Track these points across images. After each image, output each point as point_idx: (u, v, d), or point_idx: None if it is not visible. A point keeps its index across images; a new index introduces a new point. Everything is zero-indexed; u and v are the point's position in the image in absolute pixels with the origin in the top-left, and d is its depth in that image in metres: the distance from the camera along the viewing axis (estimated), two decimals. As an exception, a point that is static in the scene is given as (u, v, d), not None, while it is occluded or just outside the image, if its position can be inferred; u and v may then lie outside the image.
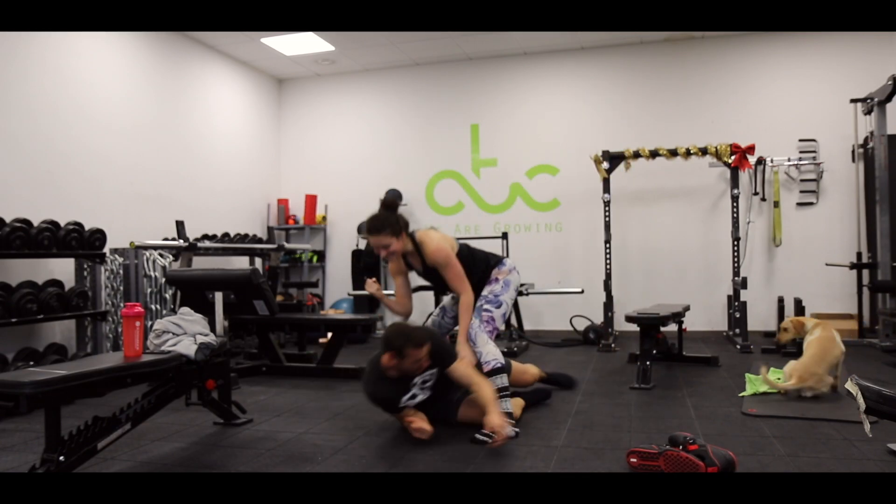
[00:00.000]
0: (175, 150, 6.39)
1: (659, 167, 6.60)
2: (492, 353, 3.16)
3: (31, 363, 4.12)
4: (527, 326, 6.72)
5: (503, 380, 3.12)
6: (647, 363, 4.21)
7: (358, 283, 7.51)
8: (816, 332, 3.76)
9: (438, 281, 3.39)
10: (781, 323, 4.23)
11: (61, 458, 2.40)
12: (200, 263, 6.14)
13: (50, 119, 5.02)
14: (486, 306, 3.28)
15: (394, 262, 3.36)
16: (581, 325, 6.43)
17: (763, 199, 6.61)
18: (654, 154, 6.08)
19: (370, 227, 3.19)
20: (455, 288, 3.30)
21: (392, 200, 3.30)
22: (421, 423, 3.01)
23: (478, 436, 2.93)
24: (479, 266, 3.40)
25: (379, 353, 3.03)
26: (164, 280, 4.89)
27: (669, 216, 6.90)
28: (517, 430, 3.03)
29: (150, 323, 4.50)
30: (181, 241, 5.53)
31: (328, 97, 8.00)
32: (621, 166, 6.22)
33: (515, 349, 5.59)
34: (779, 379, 3.80)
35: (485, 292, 3.32)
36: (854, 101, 6.05)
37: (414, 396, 3.08)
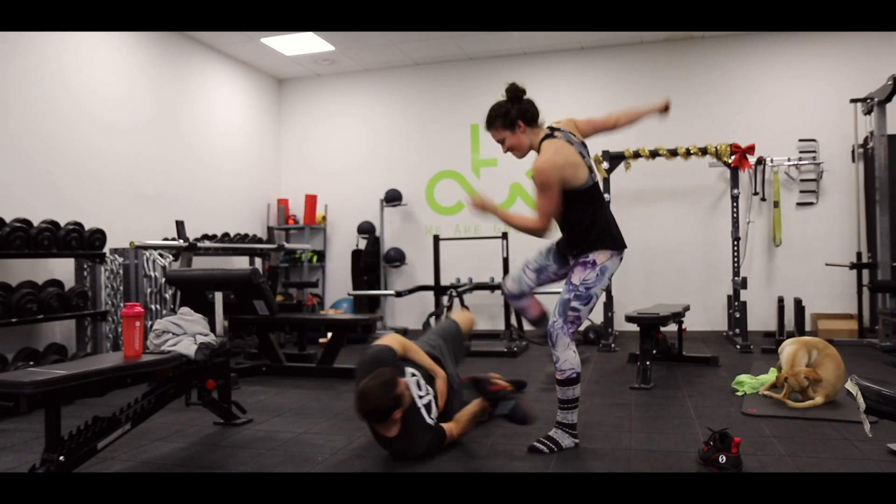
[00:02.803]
0: (175, 150, 6.39)
1: (659, 167, 6.60)
2: (570, 362, 2.80)
3: (31, 363, 4.12)
4: (526, 326, 6.72)
5: (575, 391, 2.83)
6: (647, 363, 4.21)
7: (358, 283, 7.51)
8: (815, 353, 3.63)
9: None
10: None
11: (61, 458, 2.40)
12: (200, 263, 6.14)
13: (50, 119, 5.02)
14: (573, 303, 2.80)
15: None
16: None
17: (763, 199, 6.61)
18: (654, 154, 6.08)
19: (486, 121, 2.92)
20: (536, 212, 2.78)
21: (515, 87, 2.85)
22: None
23: (536, 444, 2.84)
24: (586, 224, 2.81)
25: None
26: (164, 280, 4.89)
27: (669, 216, 6.90)
28: (576, 440, 2.87)
29: (150, 323, 4.50)
30: (181, 241, 5.53)
31: (328, 97, 8.00)
32: (621, 166, 6.22)
33: (515, 349, 5.59)
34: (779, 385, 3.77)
35: (575, 279, 2.80)
36: (854, 101, 6.05)
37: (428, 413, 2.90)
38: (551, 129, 2.89)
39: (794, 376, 3.50)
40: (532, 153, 2.93)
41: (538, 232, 2.79)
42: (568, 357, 2.81)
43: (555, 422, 2.89)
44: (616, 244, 2.84)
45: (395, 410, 2.63)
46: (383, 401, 2.59)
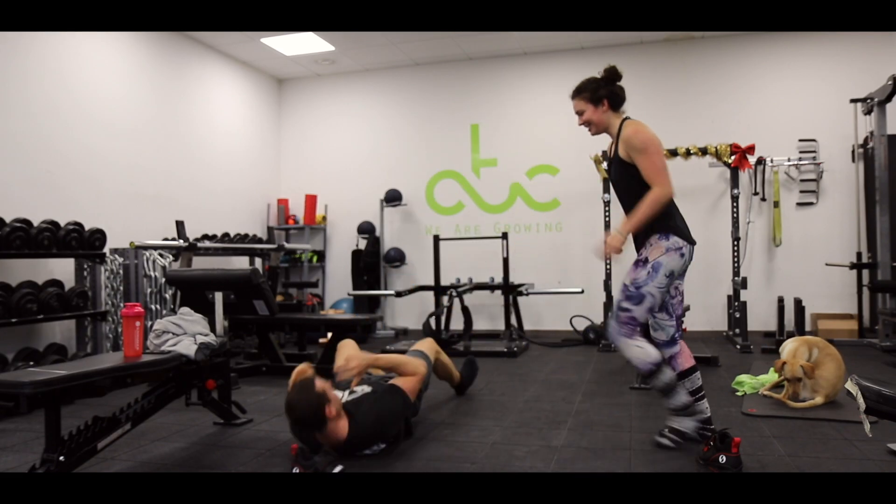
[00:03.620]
0: (175, 150, 6.39)
1: (659, 167, 6.59)
2: (639, 358, 2.74)
3: (31, 363, 4.12)
4: (527, 326, 6.73)
5: (661, 378, 2.75)
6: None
7: (358, 283, 7.51)
8: (815, 351, 3.64)
9: (623, 186, 2.83)
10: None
11: (61, 458, 2.40)
12: (200, 263, 6.14)
13: (50, 119, 5.02)
14: (623, 303, 2.76)
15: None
16: (581, 325, 6.43)
17: (763, 199, 6.61)
18: (654, 154, 6.07)
19: (574, 88, 2.94)
20: (650, 180, 2.68)
21: (614, 70, 2.91)
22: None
23: (659, 439, 2.84)
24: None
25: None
26: (164, 280, 4.89)
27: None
28: (703, 414, 2.83)
29: (150, 323, 4.50)
30: (181, 241, 5.53)
31: (328, 97, 8.00)
32: (621, 166, 6.22)
33: (515, 349, 5.59)
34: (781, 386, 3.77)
35: (627, 279, 2.79)
36: (854, 101, 6.05)
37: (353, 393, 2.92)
38: (628, 117, 2.93)
39: (790, 363, 3.50)
40: (604, 136, 2.98)
41: (668, 193, 2.69)
42: (635, 354, 2.75)
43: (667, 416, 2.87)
44: (674, 232, 2.75)
45: (324, 406, 2.58)
46: (307, 399, 2.57)
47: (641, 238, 2.81)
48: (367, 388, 2.92)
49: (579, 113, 2.93)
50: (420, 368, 3.11)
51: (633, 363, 2.80)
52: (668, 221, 2.75)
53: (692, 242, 2.81)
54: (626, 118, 2.89)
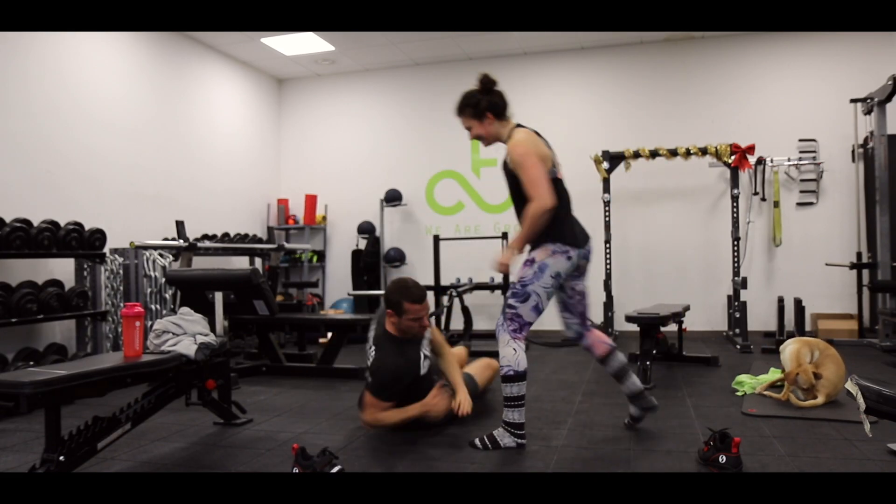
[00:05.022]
0: (175, 150, 6.39)
1: (659, 167, 6.60)
2: (507, 359, 2.80)
3: (31, 363, 4.12)
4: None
5: (513, 388, 2.79)
6: (648, 363, 4.21)
7: (358, 283, 7.51)
8: (816, 353, 3.62)
9: (514, 193, 2.90)
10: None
11: (61, 458, 2.40)
12: (200, 263, 6.14)
13: (50, 119, 5.02)
14: (510, 300, 2.83)
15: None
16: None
17: (763, 199, 6.61)
18: (654, 154, 6.08)
19: (457, 106, 3.01)
20: (528, 193, 2.75)
21: (487, 79, 2.92)
22: (443, 398, 3.11)
23: (475, 440, 2.90)
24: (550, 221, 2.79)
25: (381, 330, 3.18)
26: (164, 280, 4.89)
27: (669, 216, 6.90)
28: (521, 440, 2.84)
29: (150, 323, 4.50)
30: (181, 241, 5.53)
31: (328, 97, 8.00)
32: (621, 166, 6.23)
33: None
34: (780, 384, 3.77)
35: (514, 277, 2.87)
36: (854, 101, 6.05)
37: (426, 358, 3.15)
38: (519, 124, 2.98)
39: (804, 372, 3.49)
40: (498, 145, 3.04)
41: (545, 206, 2.70)
42: (505, 354, 2.80)
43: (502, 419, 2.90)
44: (560, 239, 2.80)
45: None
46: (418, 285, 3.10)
47: (534, 245, 2.87)
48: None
49: (468, 129, 2.97)
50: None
51: (500, 362, 2.83)
52: (555, 229, 2.81)
53: (580, 247, 2.85)
54: (516, 126, 2.93)
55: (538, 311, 2.84)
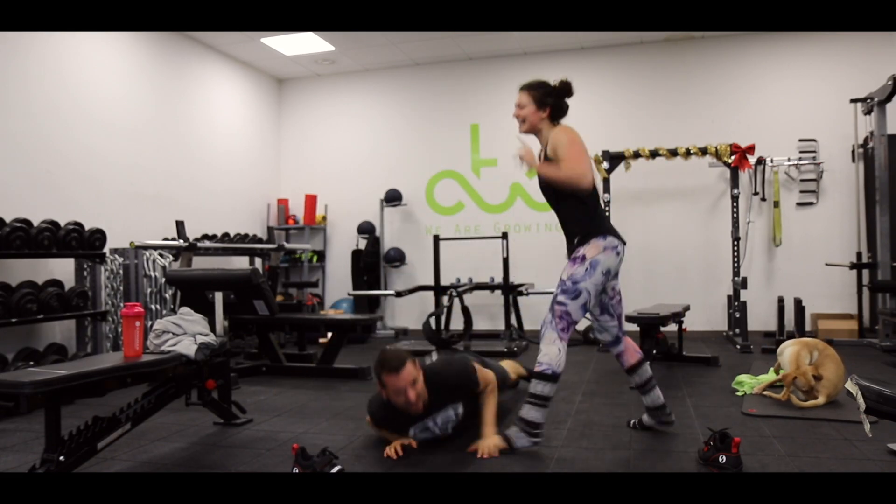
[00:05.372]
0: (175, 150, 6.39)
1: (659, 167, 6.60)
2: (549, 357, 2.74)
3: (31, 363, 4.12)
4: (527, 326, 6.72)
5: (545, 387, 2.74)
6: (648, 363, 4.21)
7: (358, 283, 7.51)
8: (816, 353, 3.61)
9: (554, 192, 2.88)
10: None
11: (61, 458, 2.40)
12: (200, 263, 6.14)
13: (50, 119, 5.02)
14: (560, 297, 2.76)
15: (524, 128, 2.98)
16: (581, 325, 6.41)
17: (763, 199, 6.61)
18: (654, 154, 6.08)
19: (526, 83, 2.95)
20: (569, 167, 2.74)
21: (569, 86, 2.92)
22: (396, 449, 2.82)
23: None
24: (580, 215, 2.84)
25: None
26: (164, 280, 4.89)
27: (669, 216, 6.90)
28: (536, 440, 2.78)
29: (150, 323, 4.50)
30: (181, 241, 5.53)
31: (328, 97, 8.00)
32: (621, 166, 6.23)
33: (515, 349, 5.59)
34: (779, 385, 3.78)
35: (564, 275, 2.80)
36: (854, 101, 6.05)
37: (426, 429, 2.90)
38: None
39: (802, 375, 3.49)
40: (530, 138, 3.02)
41: (582, 177, 2.72)
42: (549, 352, 2.75)
43: (517, 416, 2.81)
44: (610, 233, 2.83)
45: (409, 360, 2.72)
46: (397, 354, 2.75)
47: (579, 241, 2.84)
48: (434, 355, 3.16)
49: (519, 106, 2.94)
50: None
51: (540, 358, 2.77)
52: (603, 224, 2.85)
53: (624, 242, 2.90)
54: (559, 124, 2.95)
55: (585, 309, 2.80)
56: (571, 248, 2.89)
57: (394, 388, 2.70)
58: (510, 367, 3.83)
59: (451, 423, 2.92)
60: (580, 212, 2.84)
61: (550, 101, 2.91)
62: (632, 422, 3.18)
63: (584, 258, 2.79)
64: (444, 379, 2.89)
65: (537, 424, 2.77)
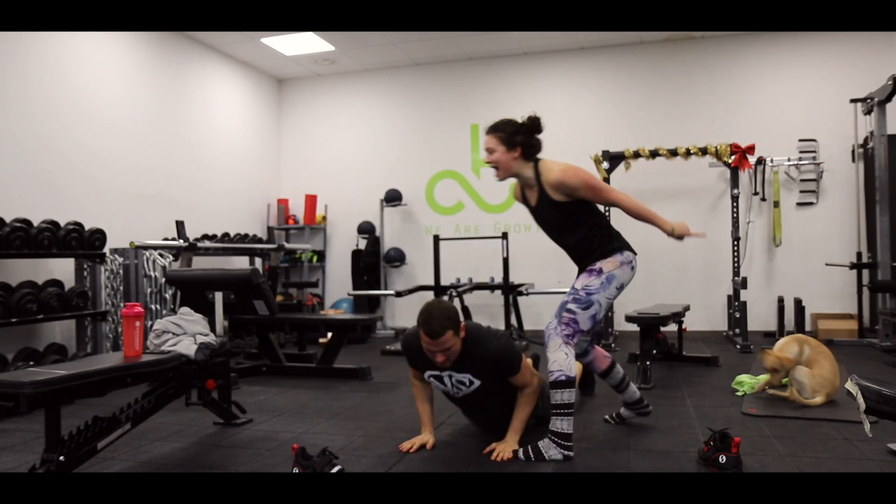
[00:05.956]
0: (175, 150, 6.39)
1: (659, 167, 6.60)
2: (558, 363, 2.69)
3: (31, 363, 4.12)
4: (527, 326, 6.72)
5: (563, 395, 2.69)
6: (648, 363, 4.21)
7: (358, 283, 7.51)
8: (807, 349, 3.62)
9: (559, 225, 2.88)
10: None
11: (61, 458, 2.40)
12: (200, 263, 6.14)
13: (50, 119, 5.02)
14: (570, 305, 2.77)
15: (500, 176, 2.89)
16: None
17: (763, 199, 6.61)
18: (654, 154, 6.08)
19: (490, 125, 2.85)
20: (606, 201, 2.86)
21: (537, 122, 2.84)
22: (412, 446, 2.86)
23: (520, 450, 2.76)
24: (595, 236, 2.87)
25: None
26: (164, 280, 4.89)
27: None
28: (568, 452, 2.70)
29: (150, 323, 4.50)
30: (181, 241, 5.53)
31: (328, 97, 8.00)
32: (621, 166, 6.23)
33: (515, 349, 5.58)
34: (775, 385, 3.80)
35: (577, 284, 2.81)
36: (854, 101, 6.05)
37: (440, 380, 2.84)
38: (539, 158, 2.90)
39: (767, 353, 3.59)
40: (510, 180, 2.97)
41: (614, 202, 2.91)
42: (557, 358, 2.71)
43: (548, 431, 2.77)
44: (627, 249, 2.91)
45: (450, 330, 2.62)
46: (443, 316, 2.64)
47: (595, 256, 2.85)
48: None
49: (488, 150, 2.83)
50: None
51: (550, 366, 2.72)
52: (619, 240, 2.92)
53: (635, 253, 2.96)
54: (538, 161, 2.86)
55: (594, 320, 2.81)
56: (584, 264, 2.90)
57: (427, 346, 2.66)
58: None
59: (462, 389, 2.84)
60: (598, 235, 2.88)
61: (520, 139, 2.79)
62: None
63: (600, 271, 2.81)
64: (482, 348, 2.76)
65: (567, 435, 2.71)
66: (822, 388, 3.48)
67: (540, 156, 2.88)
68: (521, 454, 2.72)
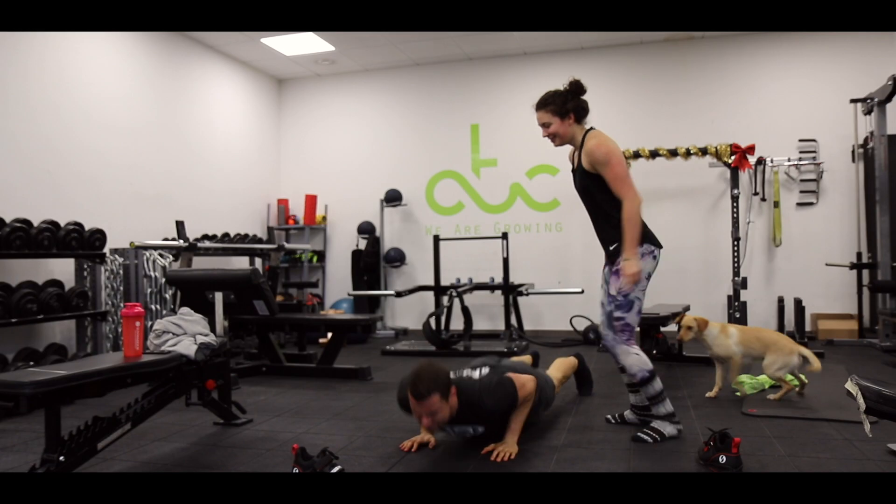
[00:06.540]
0: (175, 150, 6.39)
1: (659, 167, 6.60)
2: (636, 365, 2.90)
3: (31, 363, 4.12)
4: (527, 326, 6.73)
5: (653, 387, 2.91)
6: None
7: (358, 283, 7.51)
8: (733, 331, 3.84)
9: (588, 194, 2.96)
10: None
11: (61, 458, 2.40)
12: (200, 263, 6.14)
13: (50, 119, 5.02)
14: (616, 313, 2.92)
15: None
16: (581, 325, 6.43)
17: (763, 199, 6.61)
18: (654, 154, 6.08)
19: (538, 100, 2.96)
20: (616, 191, 2.83)
21: (579, 84, 2.92)
22: (413, 444, 2.90)
23: (640, 434, 2.92)
24: (617, 221, 2.90)
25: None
26: (164, 280, 4.89)
27: (669, 216, 6.90)
28: (679, 426, 2.98)
29: (150, 323, 4.50)
30: (181, 241, 5.53)
31: (328, 97, 8.00)
32: (621, 166, 6.22)
33: (515, 349, 5.58)
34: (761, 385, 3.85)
35: (612, 290, 2.95)
36: (854, 101, 6.05)
37: (441, 429, 2.87)
38: (591, 128, 3.02)
39: (684, 314, 3.87)
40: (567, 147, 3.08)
41: (639, 202, 2.85)
42: (632, 362, 2.91)
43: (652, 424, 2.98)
44: (646, 240, 2.94)
45: (436, 393, 2.58)
46: (437, 369, 2.65)
47: (616, 251, 2.94)
48: (485, 371, 2.91)
49: (544, 125, 2.97)
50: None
51: (630, 371, 2.94)
52: (641, 232, 2.93)
53: (660, 245, 3.04)
54: (589, 129, 2.98)
55: (640, 312, 2.97)
56: (609, 255, 3.01)
57: (413, 406, 2.64)
58: (561, 366, 3.71)
59: (467, 433, 2.90)
60: (618, 214, 2.90)
61: (571, 105, 2.92)
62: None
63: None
64: (480, 402, 2.75)
65: (672, 413, 2.96)
66: (807, 352, 3.53)
67: (593, 127, 3.00)
68: (643, 436, 2.89)
